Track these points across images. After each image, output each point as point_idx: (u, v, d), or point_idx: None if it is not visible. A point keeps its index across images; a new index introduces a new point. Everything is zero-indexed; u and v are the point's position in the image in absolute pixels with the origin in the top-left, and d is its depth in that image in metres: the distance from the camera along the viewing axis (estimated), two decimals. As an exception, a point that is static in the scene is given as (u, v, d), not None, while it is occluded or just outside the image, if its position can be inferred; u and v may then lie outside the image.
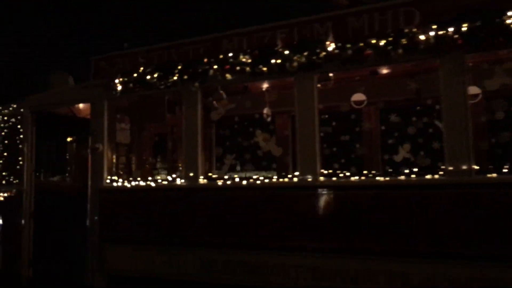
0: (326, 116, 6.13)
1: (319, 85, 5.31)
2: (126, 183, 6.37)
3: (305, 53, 5.20)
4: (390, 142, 6.32)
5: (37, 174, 7.68)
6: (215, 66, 5.72)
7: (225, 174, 5.90)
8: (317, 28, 5.57)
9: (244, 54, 5.57)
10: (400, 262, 4.71)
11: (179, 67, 5.98)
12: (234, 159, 6.35)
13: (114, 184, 6.47)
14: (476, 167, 4.55)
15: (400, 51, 4.77)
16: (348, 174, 5.29)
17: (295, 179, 5.22)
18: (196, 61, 5.89)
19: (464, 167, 4.51)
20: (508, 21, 4.35)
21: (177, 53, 6.24)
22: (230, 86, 5.90)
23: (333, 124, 6.37)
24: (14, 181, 7.51)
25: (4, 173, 7.65)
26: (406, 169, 5.18)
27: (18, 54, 18.93)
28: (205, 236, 5.67)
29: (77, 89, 7.00)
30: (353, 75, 5.65)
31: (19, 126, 7.53)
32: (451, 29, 4.56)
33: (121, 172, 6.95)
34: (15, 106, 7.56)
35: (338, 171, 5.44)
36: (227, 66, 5.59)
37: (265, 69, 5.45)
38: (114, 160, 6.76)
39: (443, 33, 4.59)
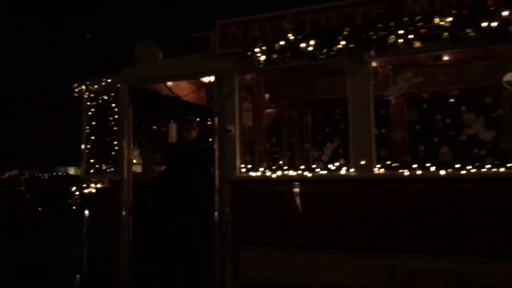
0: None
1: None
2: (268, 173, 5.30)
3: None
4: None
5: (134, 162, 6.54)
6: (400, 31, 4.68)
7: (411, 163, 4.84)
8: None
9: (442, 16, 4.54)
10: None
11: (346, 33, 4.93)
12: (425, 145, 5.29)
13: (251, 174, 5.39)
14: None
15: None
16: None
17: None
18: (371, 26, 4.83)
19: None
20: None
21: (339, 16, 5.15)
22: (413, 57, 4.87)
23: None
24: (108, 169, 6.35)
25: (92, 160, 6.48)
26: None
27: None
28: (391, 240, 4.64)
29: (195, 60, 5.86)
30: None
31: (113, 105, 6.35)
32: None
33: (249, 160, 5.85)
34: (109, 80, 6.36)
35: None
36: (423, 31, 4.55)
37: (472, 34, 4.43)
38: (244, 146, 5.68)
39: None
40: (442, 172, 4.50)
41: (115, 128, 6.29)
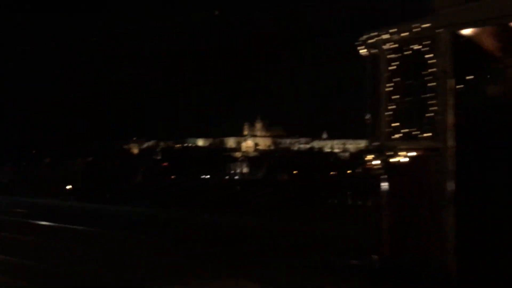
0: None
1: None
2: None
3: None
4: None
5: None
6: None
7: None
8: None
9: None
10: None
11: None
12: None
13: None
14: None
15: None
16: None
17: None
18: None
19: None
20: None
21: None
22: None
23: None
24: (421, 135, 5.24)
25: (397, 124, 5.41)
26: None
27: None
28: None
29: None
30: None
31: (427, 56, 5.18)
32: None
33: None
34: (424, 25, 5.19)
35: None
36: None
37: None
38: None
39: None
40: None
41: (432, 84, 5.12)
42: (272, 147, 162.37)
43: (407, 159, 5.31)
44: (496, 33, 5.36)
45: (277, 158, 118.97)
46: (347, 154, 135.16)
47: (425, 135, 5.19)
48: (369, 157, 5.59)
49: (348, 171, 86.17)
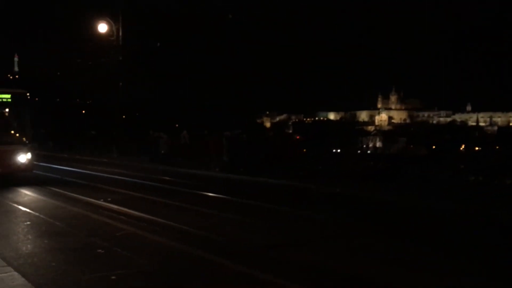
0: None
1: None
2: None
3: None
4: None
5: None
6: None
7: None
8: None
9: None
10: None
11: None
12: None
13: None
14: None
15: None
16: None
17: None
18: None
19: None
20: None
21: None
22: None
23: None
24: None
25: None
26: None
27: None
28: None
29: None
30: None
31: None
32: None
33: None
34: None
35: None
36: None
37: None
38: None
39: None
40: None
41: None
42: (408, 121, 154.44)
43: None
44: None
45: (412, 133, 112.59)
46: (495, 128, 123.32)
47: None
48: None
49: (496, 147, 78.78)
